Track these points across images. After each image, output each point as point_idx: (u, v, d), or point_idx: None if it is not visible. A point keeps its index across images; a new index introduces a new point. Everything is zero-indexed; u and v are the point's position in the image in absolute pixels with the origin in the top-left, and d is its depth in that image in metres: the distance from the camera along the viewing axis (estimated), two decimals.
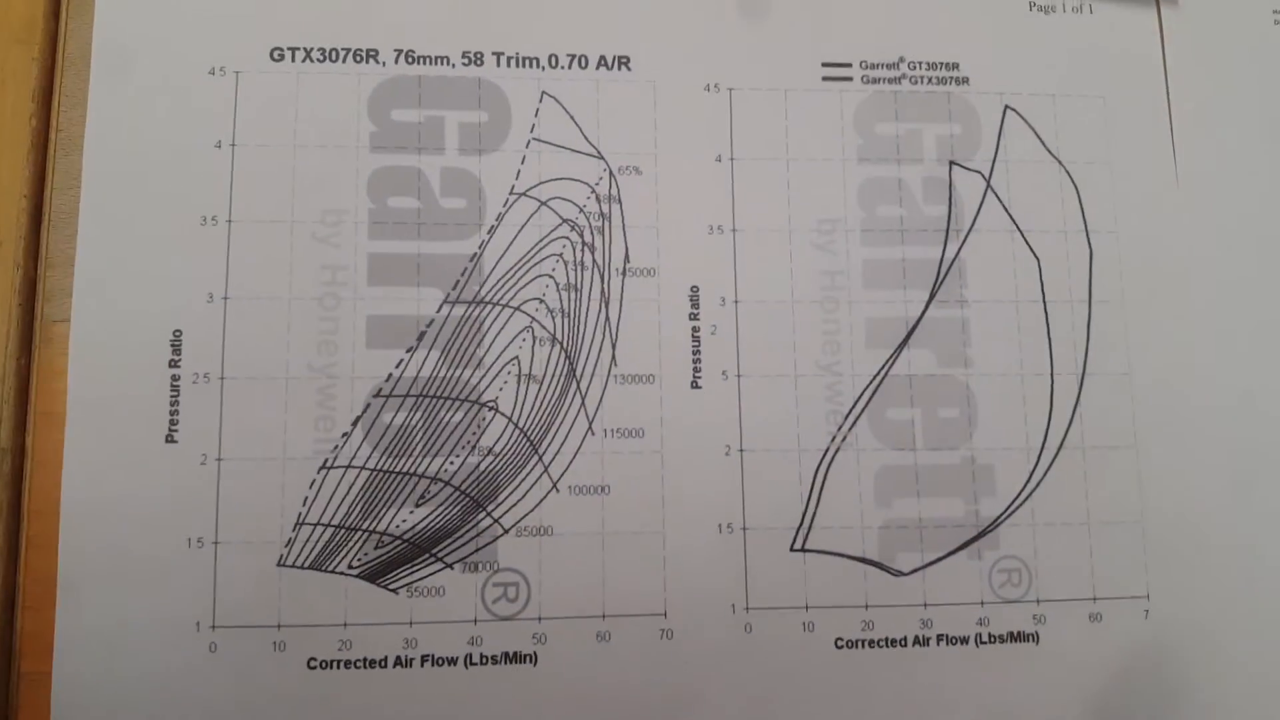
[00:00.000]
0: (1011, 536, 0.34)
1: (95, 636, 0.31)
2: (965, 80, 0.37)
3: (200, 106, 0.34)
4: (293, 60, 0.34)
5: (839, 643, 0.33)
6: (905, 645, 0.33)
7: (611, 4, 0.36)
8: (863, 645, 0.33)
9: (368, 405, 0.33)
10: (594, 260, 0.34)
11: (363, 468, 0.32)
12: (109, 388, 0.32)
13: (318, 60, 0.34)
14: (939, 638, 0.34)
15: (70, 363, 0.32)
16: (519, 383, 0.33)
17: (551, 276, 0.34)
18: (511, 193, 0.34)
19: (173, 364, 0.32)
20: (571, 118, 0.35)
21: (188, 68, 0.34)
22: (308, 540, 0.32)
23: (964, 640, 0.34)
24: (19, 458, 0.32)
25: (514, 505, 0.33)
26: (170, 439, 0.32)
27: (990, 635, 0.34)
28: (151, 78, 0.34)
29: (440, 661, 0.32)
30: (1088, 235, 0.36)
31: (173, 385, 0.32)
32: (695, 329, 0.34)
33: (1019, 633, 0.34)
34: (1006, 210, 0.36)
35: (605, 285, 0.34)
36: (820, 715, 0.33)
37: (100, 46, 0.34)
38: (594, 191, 0.35)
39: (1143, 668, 0.34)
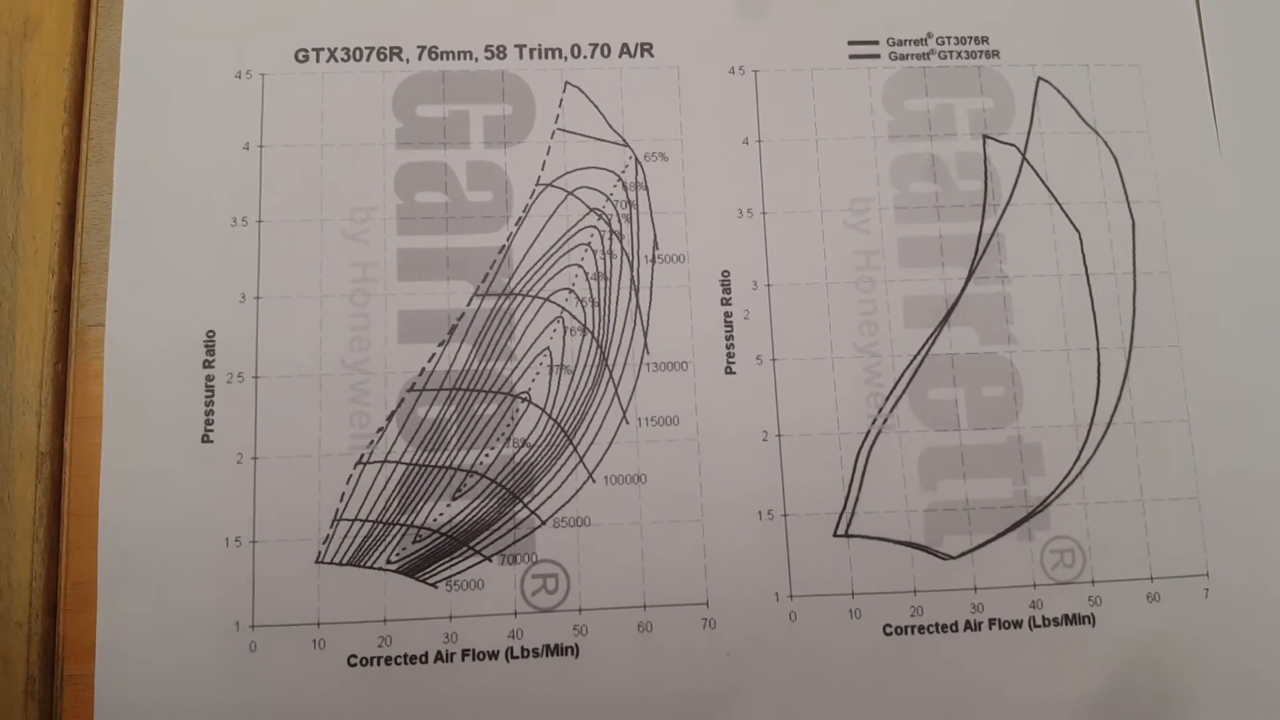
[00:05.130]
0: (1063, 516, 0.33)
1: (136, 638, 0.31)
2: (995, 53, 0.36)
3: (227, 110, 0.34)
4: (317, 61, 0.34)
5: (888, 629, 0.32)
6: (956, 630, 0.32)
7: None
8: (912, 631, 0.32)
9: (402, 400, 0.33)
10: (623, 248, 0.34)
11: (399, 462, 0.32)
12: (144, 390, 0.32)
13: (342, 60, 0.34)
14: (991, 622, 0.33)
15: (106, 366, 0.32)
16: (551, 373, 0.33)
17: (580, 266, 0.34)
18: (538, 184, 0.34)
19: (207, 364, 0.32)
20: (596, 106, 0.35)
21: (214, 72, 0.34)
22: (345, 536, 0.32)
23: (1017, 624, 0.33)
24: (57, 462, 0.32)
25: (550, 496, 0.32)
26: (206, 439, 0.32)
27: (1044, 618, 0.33)
28: (179, 83, 0.34)
29: (481, 656, 0.31)
30: (1129, 205, 0.35)
31: (207, 386, 0.32)
32: (728, 314, 0.34)
33: (1074, 615, 0.33)
34: (1044, 183, 0.35)
35: (635, 273, 0.34)
36: (869, 703, 0.32)
37: (128, 55, 0.34)
38: (620, 179, 0.34)
39: (1204, 648, 0.33)
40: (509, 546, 0.32)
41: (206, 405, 0.32)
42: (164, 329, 0.33)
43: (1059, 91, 0.36)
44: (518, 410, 0.33)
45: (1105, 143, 0.36)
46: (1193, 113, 0.36)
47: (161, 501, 0.32)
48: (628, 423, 0.33)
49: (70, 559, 0.32)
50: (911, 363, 0.34)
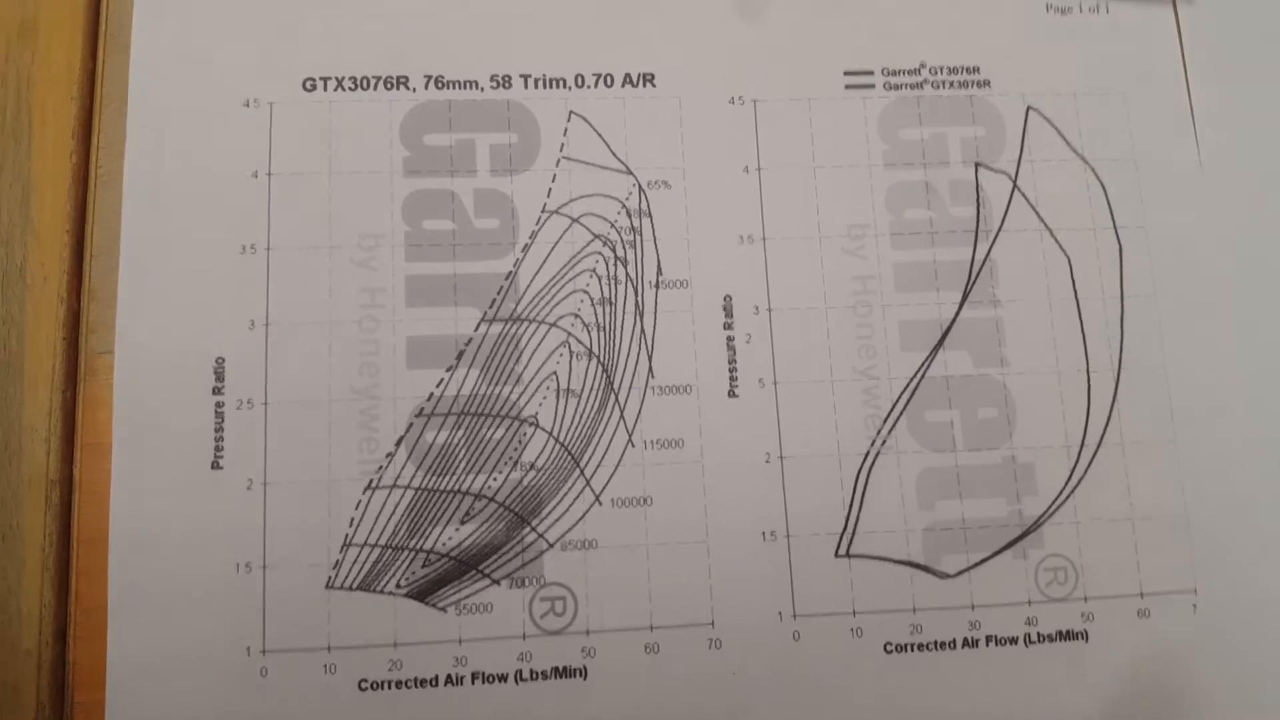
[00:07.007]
0: (1056, 535, 0.34)
1: (146, 664, 0.31)
2: (986, 83, 0.37)
3: (236, 138, 0.34)
4: (325, 90, 0.35)
5: (888, 647, 0.33)
6: (955, 647, 0.33)
7: (634, 22, 0.36)
8: (912, 649, 0.33)
9: (410, 425, 0.33)
10: (627, 274, 0.35)
11: (407, 487, 0.33)
12: (154, 417, 0.32)
13: (349, 89, 0.35)
14: (988, 639, 0.33)
15: (115, 393, 0.32)
16: (558, 397, 0.34)
17: (586, 291, 0.34)
18: (543, 211, 0.35)
19: (216, 391, 0.33)
20: (600, 135, 0.35)
21: (223, 100, 0.35)
22: (355, 561, 0.32)
23: (1013, 640, 0.33)
24: (67, 489, 0.32)
25: (558, 519, 0.33)
26: (216, 465, 0.32)
27: (1039, 635, 0.34)
28: (187, 112, 0.34)
29: (491, 679, 0.32)
30: (1116, 231, 0.36)
31: (217, 412, 0.33)
32: (730, 338, 0.35)
33: (1068, 631, 0.34)
34: (1034, 209, 0.36)
35: (639, 298, 0.35)
36: None
37: (136, 83, 0.35)
38: (624, 206, 0.35)
39: (1193, 662, 0.34)
40: (517, 570, 0.33)
41: (216, 431, 0.32)
42: (173, 356, 0.33)
43: (1048, 120, 0.37)
44: (525, 434, 0.33)
45: (1093, 170, 0.37)
46: (1176, 141, 0.37)
47: (171, 528, 0.32)
48: (633, 446, 0.34)
49: (80, 586, 0.32)
50: (908, 385, 0.35)
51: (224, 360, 0.33)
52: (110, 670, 0.31)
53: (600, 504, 0.33)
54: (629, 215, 0.35)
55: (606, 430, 0.34)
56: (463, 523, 0.33)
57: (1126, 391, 0.35)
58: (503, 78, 0.35)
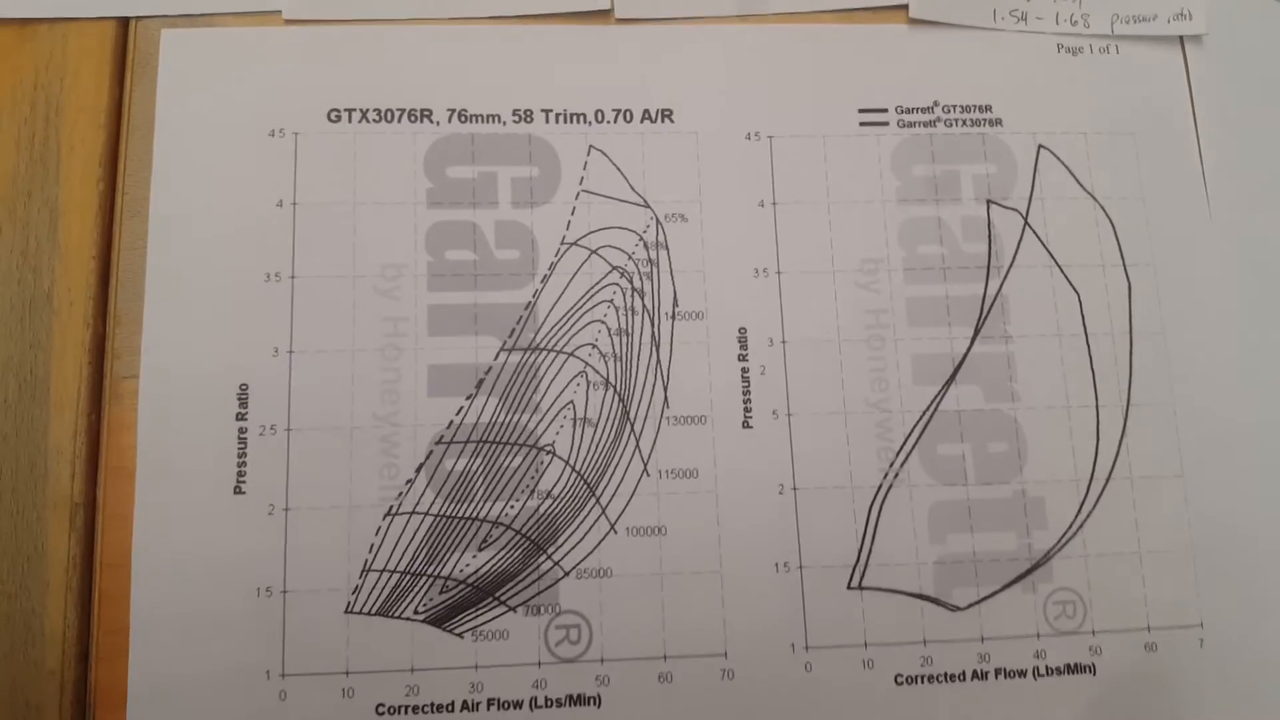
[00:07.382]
0: (1065, 569, 0.35)
1: (167, 687, 0.31)
2: (998, 122, 0.38)
3: (261, 167, 0.35)
4: (350, 121, 0.35)
5: (899, 679, 0.33)
6: (964, 680, 0.34)
7: (653, 60, 0.37)
8: (922, 681, 0.33)
9: (430, 452, 0.33)
10: (644, 305, 0.35)
11: (426, 513, 0.33)
12: (178, 442, 0.33)
13: (374, 120, 0.36)
14: (997, 671, 0.34)
15: (139, 418, 0.33)
16: (575, 426, 0.34)
17: (603, 322, 0.35)
18: (563, 243, 0.35)
19: (240, 417, 0.33)
20: (618, 169, 0.36)
21: (248, 130, 0.35)
22: (374, 587, 0.32)
23: (1022, 673, 0.34)
24: (90, 512, 0.33)
25: (573, 547, 0.33)
26: (238, 490, 0.33)
27: (1048, 668, 0.34)
28: (213, 141, 0.35)
29: (506, 705, 0.32)
30: (1125, 269, 0.37)
31: (240, 437, 0.33)
32: (745, 370, 0.35)
33: (1076, 664, 0.34)
34: (1045, 246, 0.37)
35: (655, 329, 0.35)
36: None
37: (163, 111, 0.35)
38: (642, 239, 0.36)
39: (1199, 696, 0.34)
40: (533, 597, 0.33)
41: (239, 457, 0.33)
42: (197, 381, 0.33)
43: (1058, 159, 0.38)
44: (542, 462, 0.34)
45: (1102, 208, 0.37)
46: (1184, 180, 0.38)
47: (193, 552, 0.32)
48: (648, 475, 0.34)
49: (103, 608, 0.32)
50: (920, 419, 0.35)
51: (248, 386, 0.33)
52: (131, 691, 0.31)
53: (615, 533, 0.34)
54: (646, 248, 0.36)
55: (622, 459, 0.34)
56: (480, 550, 0.33)
57: (1135, 427, 0.36)
58: (524, 112, 0.36)
